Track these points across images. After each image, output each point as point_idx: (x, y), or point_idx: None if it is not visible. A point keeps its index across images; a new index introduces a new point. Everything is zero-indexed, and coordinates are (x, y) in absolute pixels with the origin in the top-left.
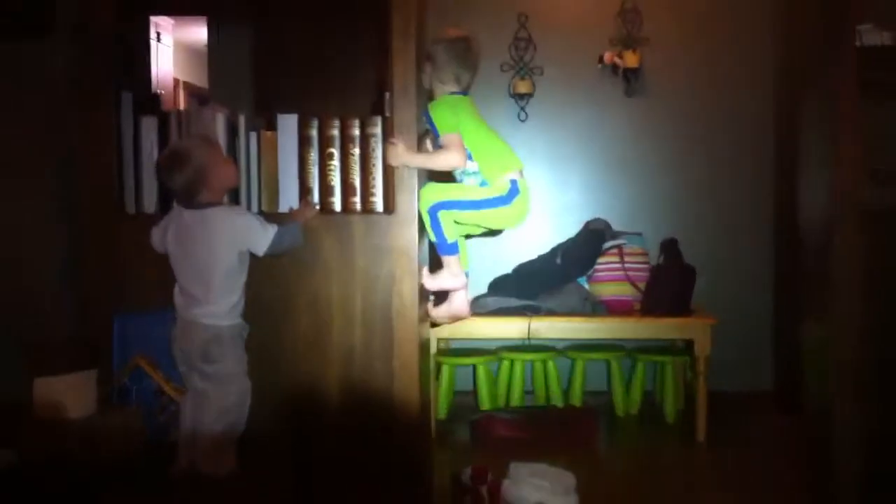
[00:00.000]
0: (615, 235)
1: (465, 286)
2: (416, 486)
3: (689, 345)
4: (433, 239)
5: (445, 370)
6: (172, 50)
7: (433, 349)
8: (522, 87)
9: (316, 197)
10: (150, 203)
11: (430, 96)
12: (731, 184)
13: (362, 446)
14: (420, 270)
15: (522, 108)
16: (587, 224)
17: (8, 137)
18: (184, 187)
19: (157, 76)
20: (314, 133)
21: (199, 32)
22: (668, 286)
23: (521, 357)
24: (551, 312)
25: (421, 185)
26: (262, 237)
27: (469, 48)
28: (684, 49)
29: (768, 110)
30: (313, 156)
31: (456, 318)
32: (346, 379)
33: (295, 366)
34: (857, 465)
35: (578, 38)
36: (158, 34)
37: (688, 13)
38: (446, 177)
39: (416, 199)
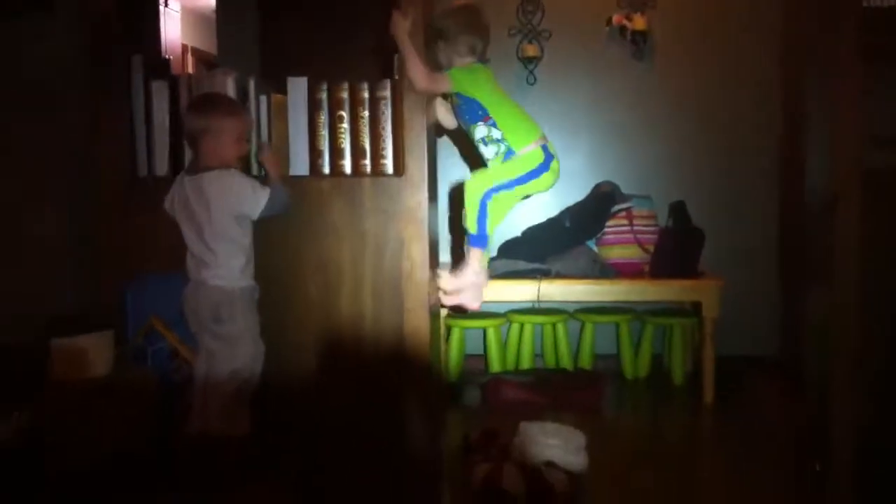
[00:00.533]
0: (624, 198)
1: (485, 283)
2: (426, 449)
3: (697, 307)
4: (473, 229)
5: (455, 333)
6: (180, 15)
7: (443, 312)
8: (530, 51)
9: (326, 160)
10: (161, 166)
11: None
12: (739, 146)
13: (373, 409)
14: (434, 269)
15: (531, 72)
16: (596, 187)
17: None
18: (189, 129)
19: (166, 42)
20: (324, 96)
21: None
22: (676, 249)
23: (530, 320)
24: (560, 275)
25: (430, 147)
26: (254, 201)
27: (477, 15)
28: (692, 11)
29: (776, 73)
30: (323, 119)
31: (464, 308)
32: (355, 342)
33: (305, 329)
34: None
35: (586, 0)
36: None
37: None
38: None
39: (425, 162)
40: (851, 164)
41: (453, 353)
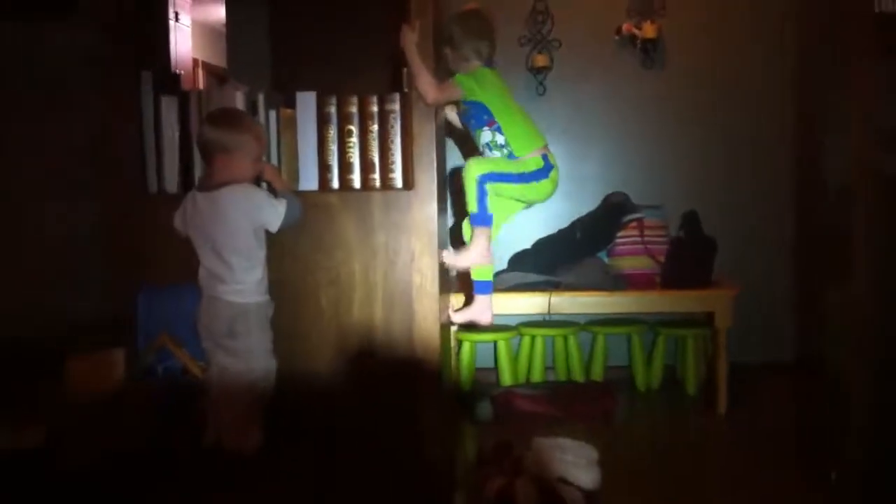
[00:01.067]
0: (634, 208)
1: (491, 294)
2: (439, 462)
3: (709, 317)
4: (474, 209)
5: (466, 346)
6: (191, 29)
7: (454, 326)
8: (540, 61)
9: (335, 174)
10: (171, 182)
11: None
12: (750, 155)
13: (385, 422)
14: (439, 249)
15: (541, 82)
16: (606, 197)
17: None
18: (206, 141)
19: (176, 56)
20: (333, 110)
21: (217, 12)
22: (688, 259)
23: (541, 332)
24: (571, 287)
25: (440, 161)
26: (275, 213)
27: (482, 19)
28: (702, 19)
29: (787, 78)
30: (332, 133)
31: (475, 323)
32: (367, 355)
33: (316, 342)
34: (877, 434)
35: (596, 9)
36: (177, 14)
37: None
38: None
39: (434, 175)
40: (867, 163)
41: (464, 366)
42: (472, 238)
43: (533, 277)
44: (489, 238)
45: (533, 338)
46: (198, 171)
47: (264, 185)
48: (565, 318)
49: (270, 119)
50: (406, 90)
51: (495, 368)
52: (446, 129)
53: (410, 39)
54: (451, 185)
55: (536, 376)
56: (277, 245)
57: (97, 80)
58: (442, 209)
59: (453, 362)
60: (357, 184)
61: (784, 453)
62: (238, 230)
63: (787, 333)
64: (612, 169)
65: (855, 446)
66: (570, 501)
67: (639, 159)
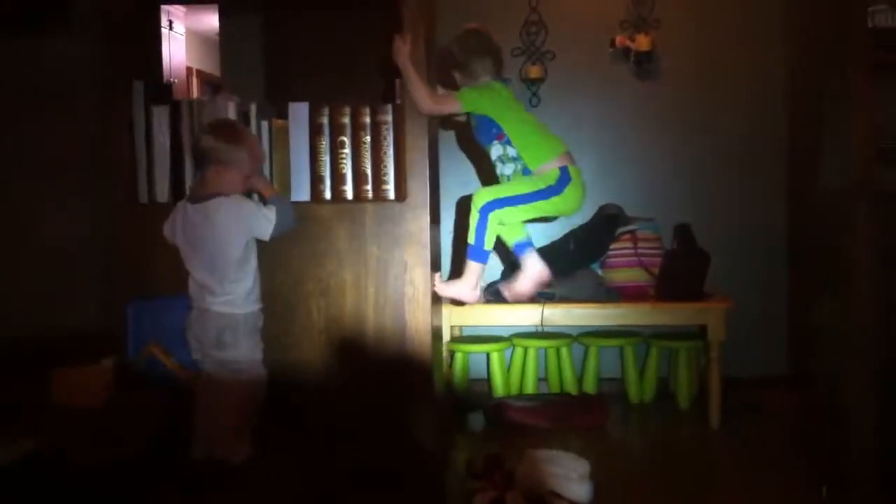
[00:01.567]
0: (628, 221)
1: (482, 267)
2: (430, 473)
3: (703, 330)
4: (471, 241)
5: (459, 357)
6: (185, 38)
7: (446, 337)
8: (534, 72)
9: (328, 185)
10: (162, 192)
11: None
12: (744, 167)
13: (376, 433)
14: (433, 272)
15: (534, 94)
16: (600, 209)
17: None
18: (200, 149)
19: (170, 65)
20: (325, 121)
21: (211, 21)
22: (681, 271)
23: (534, 344)
24: (565, 299)
25: (433, 173)
26: (266, 222)
27: (481, 35)
28: (696, 32)
29: (781, 93)
30: (325, 144)
31: (459, 301)
32: (358, 367)
33: (308, 353)
34: (872, 448)
35: (590, 21)
36: (171, 22)
37: None
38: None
39: (427, 187)
40: (862, 177)
41: (457, 378)
42: (465, 271)
43: None
44: (481, 274)
45: (526, 349)
46: (188, 181)
47: (255, 196)
48: (558, 329)
49: (263, 129)
50: (399, 101)
51: (488, 380)
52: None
53: (404, 52)
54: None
55: (529, 388)
56: (269, 255)
57: (89, 91)
58: (434, 221)
59: (445, 373)
60: (350, 195)
61: (775, 468)
62: (229, 242)
63: (781, 347)
64: (605, 181)
65: (847, 462)
66: None
67: (632, 172)
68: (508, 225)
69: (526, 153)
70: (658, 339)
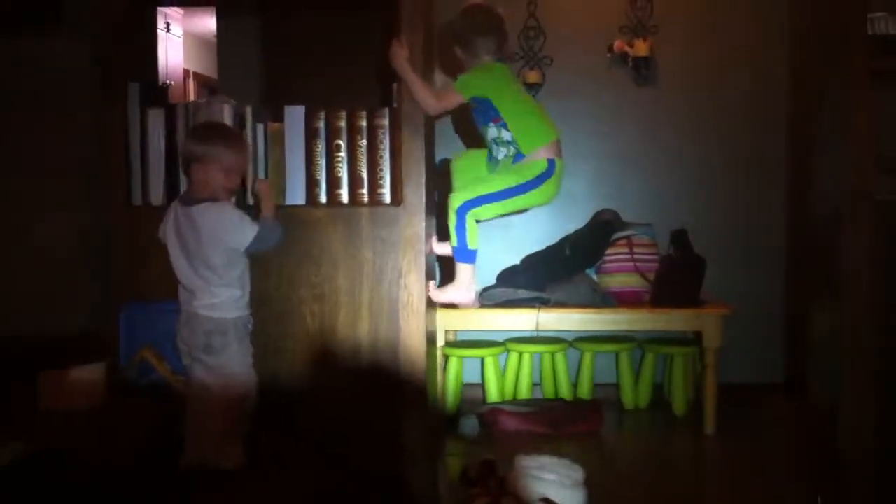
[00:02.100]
0: (624, 226)
1: (473, 268)
2: (423, 480)
3: (698, 336)
4: (454, 243)
5: (453, 362)
6: (182, 40)
7: (440, 342)
8: (532, 77)
9: (323, 189)
10: (156, 195)
11: None
12: (742, 174)
13: (369, 439)
14: (427, 280)
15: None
16: (596, 214)
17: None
18: (183, 153)
19: (167, 67)
20: (322, 125)
21: (208, 23)
22: (677, 277)
23: (529, 349)
24: (560, 304)
25: (428, 176)
26: (243, 235)
27: (487, 13)
28: (695, 37)
29: (780, 99)
30: (321, 147)
31: (456, 304)
32: (352, 372)
33: (301, 358)
34: (866, 455)
35: (588, 26)
36: (168, 24)
37: (698, 1)
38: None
39: (423, 191)
40: (859, 186)
41: (451, 383)
42: (456, 274)
43: (522, 294)
44: (472, 274)
45: (520, 354)
46: (183, 185)
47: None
48: (553, 334)
49: (258, 133)
50: (395, 105)
51: (482, 385)
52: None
53: (402, 56)
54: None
55: (524, 393)
56: (263, 259)
57: (84, 93)
58: (430, 225)
59: (440, 378)
60: (345, 199)
61: (771, 475)
62: (209, 247)
63: (777, 354)
64: (601, 186)
65: (842, 470)
66: None
67: (629, 177)
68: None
69: (520, 137)
70: (653, 344)
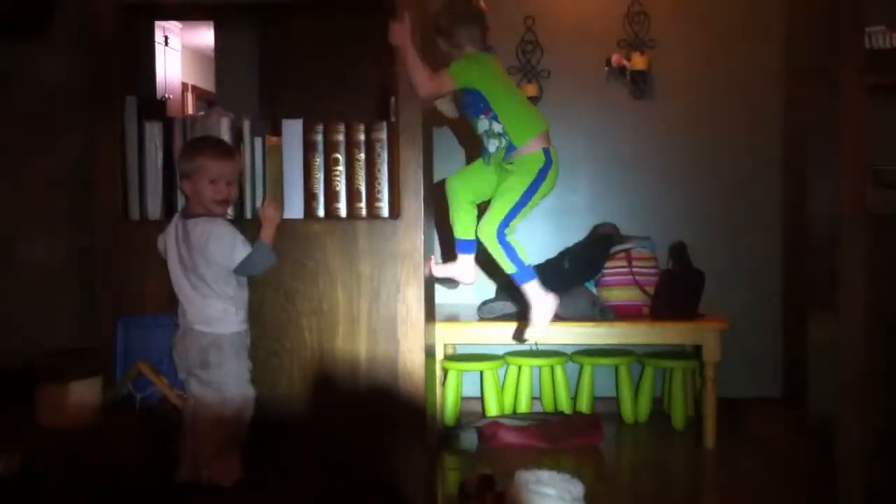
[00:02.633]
0: (623, 240)
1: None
2: (422, 494)
3: (698, 350)
4: (510, 270)
5: (452, 376)
6: (181, 54)
7: (439, 355)
8: (529, 91)
9: (321, 202)
10: (154, 210)
11: None
12: (739, 188)
13: (368, 453)
14: (425, 292)
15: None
16: (595, 228)
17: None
18: (179, 175)
19: (165, 80)
20: (319, 138)
21: (206, 36)
22: (676, 291)
23: (528, 362)
24: (559, 317)
25: (427, 190)
26: (231, 255)
27: (468, 3)
28: (692, 52)
29: (777, 113)
30: (318, 161)
31: (456, 280)
32: (350, 385)
33: (299, 373)
34: (862, 471)
35: (586, 40)
36: (166, 38)
37: (696, 16)
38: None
39: (422, 204)
40: (856, 199)
41: (450, 396)
42: (529, 300)
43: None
44: (537, 287)
45: (519, 368)
46: (181, 199)
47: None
48: (552, 348)
49: (256, 146)
50: (393, 119)
51: (481, 398)
52: (437, 121)
53: (403, 31)
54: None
55: (523, 407)
56: (261, 273)
57: (79, 106)
58: (429, 239)
59: (438, 392)
60: (343, 212)
61: (770, 490)
62: (200, 262)
63: (775, 368)
64: (600, 199)
65: (839, 485)
66: None
67: (628, 190)
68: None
69: (512, 129)
70: (653, 358)
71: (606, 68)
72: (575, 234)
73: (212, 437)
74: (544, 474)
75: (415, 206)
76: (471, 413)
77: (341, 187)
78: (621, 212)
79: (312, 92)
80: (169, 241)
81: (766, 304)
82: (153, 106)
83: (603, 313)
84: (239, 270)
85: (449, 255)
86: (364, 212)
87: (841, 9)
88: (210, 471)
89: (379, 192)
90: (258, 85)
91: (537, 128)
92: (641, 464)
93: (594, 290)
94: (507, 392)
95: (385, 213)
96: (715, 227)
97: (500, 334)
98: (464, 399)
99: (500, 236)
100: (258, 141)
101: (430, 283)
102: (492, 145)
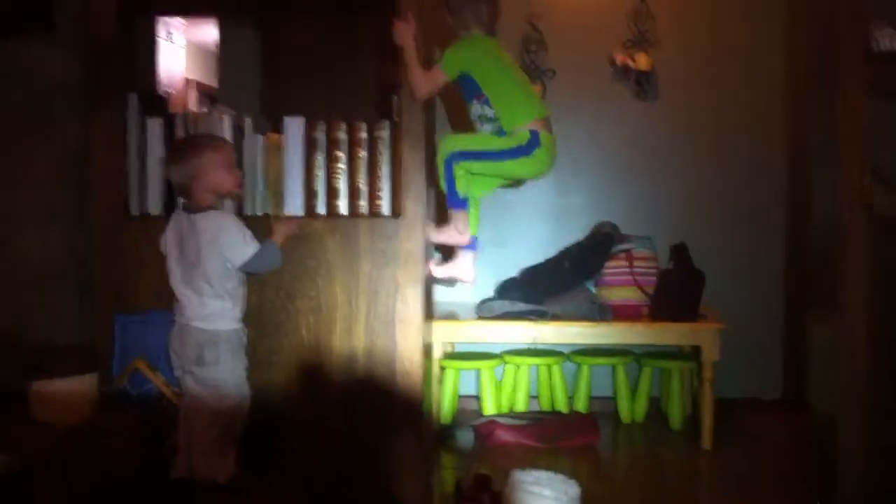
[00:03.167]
0: (623, 239)
1: (474, 253)
2: (417, 493)
3: (696, 350)
4: (444, 190)
5: (449, 374)
6: (184, 49)
7: (437, 353)
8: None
9: (322, 200)
10: (154, 205)
11: None
12: (741, 188)
13: (364, 452)
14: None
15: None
16: (595, 227)
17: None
18: (177, 181)
19: (168, 76)
20: (321, 136)
21: (210, 32)
22: (676, 291)
23: (525, 361)
24: (557, 317)
25: (428, 189)
26: (239, 252)
27: None
28: (696, 51)
29: (780, 114)
30: (320, 159)
31: (457, 280)
32: (347, 384)
33: (296, 371)
34: (863, 472)
35: (590, 40)
36: (170, 33)
37: (699, 16)
38: (467, 125)
39: (423, 203)
40: (857, 200)
41: (447, 395)
42: (451, 219)
43: (520, 306)
44: (466, 219)
45: (517, 367)
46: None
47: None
48: (550, 347)
49: (258, 144)
50: (396, 117)
51: (478, 397)
52: None
53: (407, 30)
54: None
55: (520, 406)
56: None
57: (80, 102)
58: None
59: (436, 390)
60: (344, 210)
61: (768, 491)
62: (208, 257)
63: (775, 369)
64: (601, 199)
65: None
66: None
67: (629, 190)
68: (477, 179)
69: (503, 114)
70: (651, 358)
71: (611, 68)
72: (575, 233)
73: (207, 434)
74: (540, 474)
75: (416, 205)
76: (468, 412)
77: (342, 185)
78: (622, 211)
79: (314, 89)
80: (170, 237)
81: (766, 304)
82: (155, 101)
83: (602, 313)
84: (245, 266)
85: (449, 256)
86: (365, 210)
87: (842, 9)
88: (205, 467)
89: (380, 190)
90: (260, 81)
91: (530, 114)
92: (638, 464)
93: (594, 290)
94: (505, 391)
95: (386, 211)
96: (716, 227)
97: (498, 333)
98: (461, 398)
99: (448, 161)
100: (259, 138)
101: (430, 281)
102: (485, 130)
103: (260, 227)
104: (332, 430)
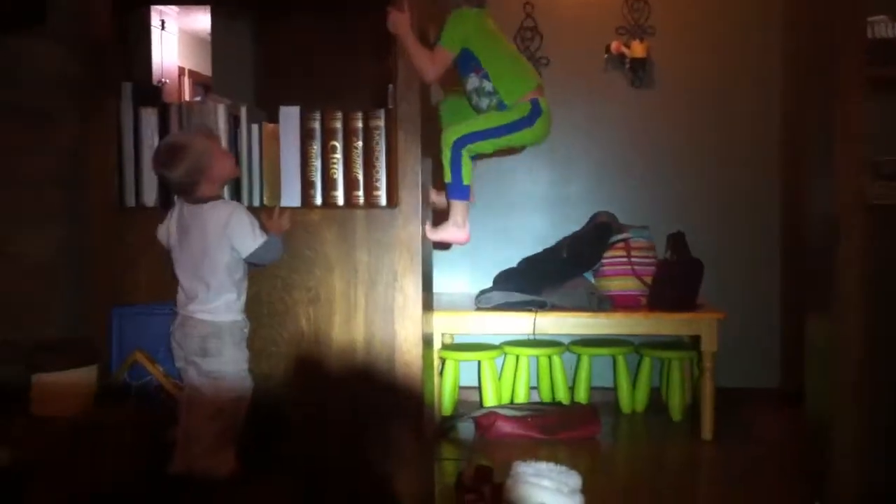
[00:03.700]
0: (621, 229)
1: (467, 203)
2: (418, 485)
3: (695, 340)
4: (448, 179)
5: (450, 366)
6: (178, 38)
7: (437, 345)
8: None
9: (318, 190)
10: (149, 196)
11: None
12: (738, 176)
13: (364, 443)
14: (423, 281)
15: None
16: (594, 217)
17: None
18: (182, 181)
19: (162, 65)
20: (317, 125)
21: (203, 21)
22: (675, 280)
23: (525, 352)
24: (557, 307)
25: (425, 179)
26: (249, 241)
27: None
28: (692, 40)
29: (776, 103)
30: (316, 149)
31: (451, 242)
32: (347, 375)
33: (295, 362)
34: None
35: (585, 27)
36: (163, 22)
37: (695, 4)
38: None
39: (420, 193)
40: (854, 190)
41: (447, 386)
42: (450, 212)
43: (518, 297)
44: (466, 211)
45: (517, 358)
46: None
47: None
48: (550, 338)
49: (253, 133)
50: (392, 106)
51: (479, 388)
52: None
53: (403, 19)
54: None
55: (520, 396)
56: None
57: (74, 93)
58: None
59: (436, 382)
60: (341, 201)
61: (768, 481)
62: (216, 247)
63: (773, 359)
64: (598, 189)
65: (837, 476)
66: None
67: (626, 179)
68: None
69: (501, 87)
70: (650, 348)
71: (606, 56)
72: (573, 223)
73: (207, 428)
74: (542, 466)
75: (413, 195)
76: (468, 403)
77: (339, 175)
78: (619, 200)
79: (310, 78)
80: (172, 228)
81: (764, 293)
82: (149, 92)
83: (601, 303)
84: (252, 257)
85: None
86: (362, 200)
87: None
88: (204, 462)
89: (377, 180)
90: (255, 70)
91: (528, 85)
92: (638, 455)
93: (593, 280)
94: (505, 382)
95: (383, 201)
96: (713, 216)
97: (497, 324)
98: (461, 389)
99: (457, 145)
100: (255, 128)
101: (429, 272)
102: (483, 103)
103: (258, 218)
104: (331, 421)
